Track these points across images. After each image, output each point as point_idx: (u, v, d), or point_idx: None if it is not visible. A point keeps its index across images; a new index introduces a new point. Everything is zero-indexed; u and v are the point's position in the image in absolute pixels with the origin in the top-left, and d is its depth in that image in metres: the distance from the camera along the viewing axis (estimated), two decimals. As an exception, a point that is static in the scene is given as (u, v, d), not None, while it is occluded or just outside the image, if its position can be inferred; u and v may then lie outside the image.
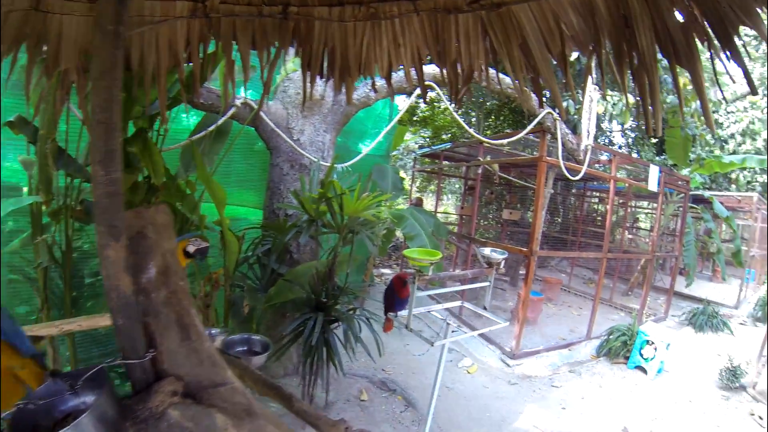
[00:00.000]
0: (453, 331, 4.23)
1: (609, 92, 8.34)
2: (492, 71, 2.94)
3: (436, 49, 2.84)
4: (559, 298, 12.02)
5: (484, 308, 4.60)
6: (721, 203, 12.91)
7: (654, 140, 18.03)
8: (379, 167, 8.35)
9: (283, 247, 5.32)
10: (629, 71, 2.21)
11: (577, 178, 7.15)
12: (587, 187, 16.34)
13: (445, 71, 2.94)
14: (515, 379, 6.91)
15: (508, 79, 5.89)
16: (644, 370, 7.63)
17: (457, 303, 5.11)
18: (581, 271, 16.38)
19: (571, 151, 7.05)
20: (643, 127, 12.18)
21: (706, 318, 10.95)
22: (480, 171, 9.32)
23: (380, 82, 6.01)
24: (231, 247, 4.98)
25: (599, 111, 7.96)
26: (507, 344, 7.61)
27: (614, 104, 8.14)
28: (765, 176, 19.95)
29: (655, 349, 7.50)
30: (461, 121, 6.80)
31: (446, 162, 12.91)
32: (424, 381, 6.42)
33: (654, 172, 9.04)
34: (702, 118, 11.87)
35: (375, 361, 5.57)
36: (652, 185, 9.05)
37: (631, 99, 8.16)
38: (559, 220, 16.94)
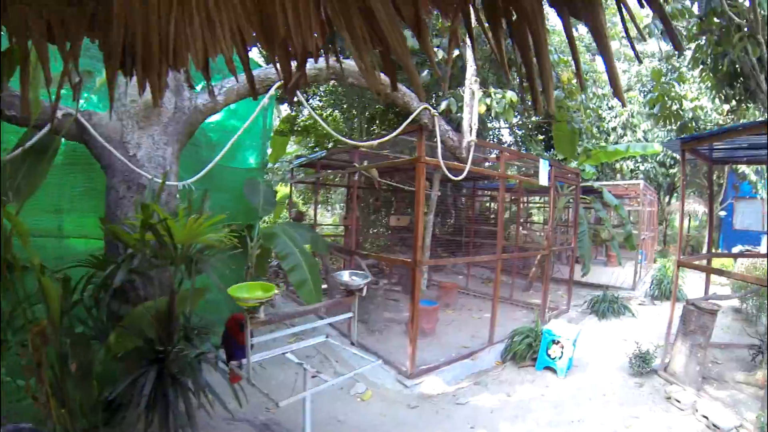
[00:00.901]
0: (313, 377, 3.18)
1: (492, 90, 7.56)
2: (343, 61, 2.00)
3: (261, 27, 2.06)
4: (458, 302, 11.06)
5: (352, 344, 3.59)
6: (610, 192, 12.87)
7: (541, 137, 17.97)
8: (250, 182, 7.28)
9: (119, 285, 4.12)
10: (507, 32, 1.57)
11: (460, 177, 6.27)
12: (477, 186, 15.75)
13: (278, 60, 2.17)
14: (415, 401, 5.92)
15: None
16: (554, 370, 6.91)
17: (320, 339, 4.08)
18: (479, 271, 15.49)
19: (453, 150, 6.16)
20: (531, 106, 11.51)
21: (607, 304, 10.61)
22: (357, 177, 8.32)
23: (229, 85, 4.92)
24: (48, 291, 3.77)
25: (481, 111, 7.13)
26: (403, 363, 6.60)
27: (498, 101, 7.34)
28: (647, 164, 20.41)
29: (562, 347, 6.82)
30: (324, 123, 5.75)
31: (331, 170, 11.86)
32: (315, 417, 5.32)
33: (544, 166, 8.38)
34: (588, 111, 11.39)
35: (232, 412, 4.39)
36: (543, 180, 8.43)
37: (515, 97, 7.40)
38: (452, 222, 16.27)
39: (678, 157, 19.73)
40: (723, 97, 8.02)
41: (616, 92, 1.60)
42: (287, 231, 6.29)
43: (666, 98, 9.27)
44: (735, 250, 17.36)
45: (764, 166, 18.16)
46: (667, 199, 25.11)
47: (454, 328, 8.93)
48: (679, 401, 5.93)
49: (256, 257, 6.80)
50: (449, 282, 11.61)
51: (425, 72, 8.56)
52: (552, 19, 17.00)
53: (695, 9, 7.29)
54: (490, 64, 9.50)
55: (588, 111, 11.19)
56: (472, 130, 6.07)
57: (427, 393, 6.09)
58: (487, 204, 19.52)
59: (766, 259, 12.29)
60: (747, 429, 5.26)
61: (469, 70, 6.09)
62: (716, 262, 12.67)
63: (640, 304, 11.90)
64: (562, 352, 6.75)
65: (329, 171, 11.64)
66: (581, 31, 24.24)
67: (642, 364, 6.88)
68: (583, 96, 10.08)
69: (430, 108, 5.70)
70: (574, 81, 9.15)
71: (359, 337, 7.57)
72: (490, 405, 5.87)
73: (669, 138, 18.70)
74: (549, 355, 6.88)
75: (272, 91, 4.65)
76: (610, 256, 18.46)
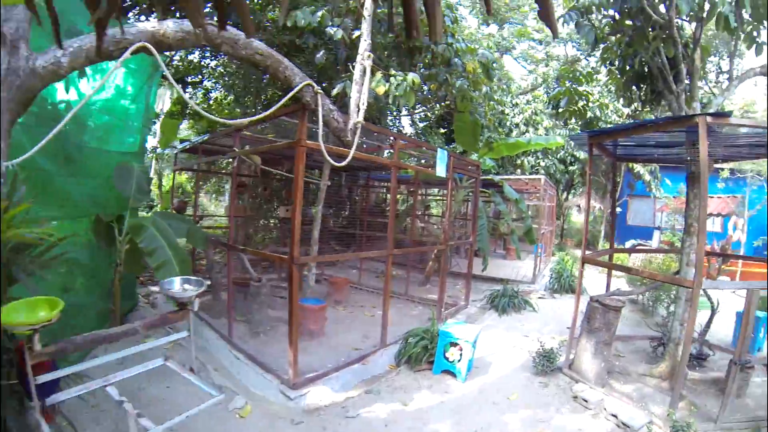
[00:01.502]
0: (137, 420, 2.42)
1: (393, 72, 6.92)
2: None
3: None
4: (350, 298, 10.24)
5: (191, 370, 2.85)
6: (511, 186, 12.61)
7: (443, 130, 17.84)
8: (122, 167, 6.31)
9: None
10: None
11: (343, 163, 5.46)
12: (372, 177, 14.91)
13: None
14: (300, 415, 5.16)
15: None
16: (453, 374, 6.40)
17: (157, 363, 3.30)
18: (374, 265, 14.38)
19: (338, 132, 5.38)
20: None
21: (507, 299, 10.29)
22: (236, 164, 7.44)
23: (78, 44, 3.97)
24: None
25: (380, 92, 6.49)
26: (288, 370, 5.69)
27: (397, 85, 6.71)
28: (547, 161, 20.71)
29: (461, 349, 6.30)
30: (186, 96, 4.91)
31: (212, 156, 10.73)
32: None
33: (442, 157, 7.94)
34: (491, 103, 11.01)
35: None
36: (440, 171, 7.97)
37: (417, 79, 6.81)
38: (346, 213, 15.49)
39: (578, 154, 20.41)
40: (628, 98, 7.92)
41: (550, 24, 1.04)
42: (158, 223, 5.46)
43: (573, 93, 9.03)
44: (628, 244, 18.08)
45: (658, 166, 19.26)
46: (564, 194, 25.61)
47: (345, 327, 8.17)
48: (586, 401, 5.71)
49: (125, 252, 5.91)
50: (341, 277, 10.82)
51: (320, 53, 7.81)
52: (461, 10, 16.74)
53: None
54: (394, 51, 8.84)
55: (491, 103, 10.80)
56: (360, 111, 5.33)
57: (314, 405, 5.34)
58: (384, 196, 18.98)
59: (661, 253, 12.45)
60: (657, 425, 5.11)
61: (363, 44, 5.39)
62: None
63: (540, 298, 11.80)
64: (461, 355, 6.25)
65: (212, 157, 10.59)
66: (491, 29, 24.48)
67: (546, 363, 6.63)
68: (488, 88, 9.60)
69: (314, 84, 4.95)
70: (479, 70, 8.70)
71: (240, 340, 6.80)
72: (385, 416, 5.25)
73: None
74: (447, 358, 6.36)
75: (128, 54, 3.75)
76: (509, 249, 18.48)
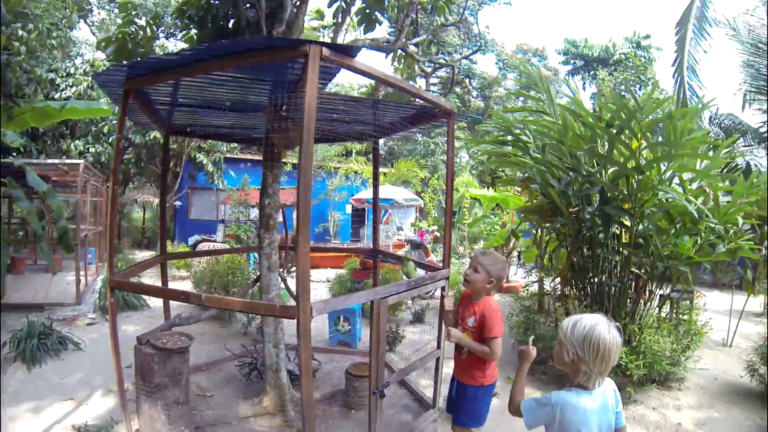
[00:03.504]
0: None
1: None
2: None
3: None
4: None
5: None
6: (43, 175, 8.71)
7: None
8: None
9: None
10: None
11: None
12: None
13: None
14: None
15: None
16: None
17: None
18: None
19: None
20: None
21: (36, 340, 6.52)
22: None
23: None
24: None
25: None
26: None
27: None
28: (99, 147, 17.25)
29: None
30: None
31: None
32: None
33: None
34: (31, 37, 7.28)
35: None
36: None
37: None
38: None
39: (133, 138, 16.90)
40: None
41: None
42: None
43: (127, 39, 5.98)
44: (191, 240, 16.31)
45: (222, 157, 18.95)
46: (122, 188, 21.74)
47: None
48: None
49: None
50: None
51: None
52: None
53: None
54: None
55: (31, 37, 7.00)
56: None
57: None
58: None
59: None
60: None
61: None
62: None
63: (89, 324, 8.35)
64: None
65: None
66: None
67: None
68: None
69: None
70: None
71: None
72: None
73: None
74: None
75: None
76: (57, 260, 13.98)
